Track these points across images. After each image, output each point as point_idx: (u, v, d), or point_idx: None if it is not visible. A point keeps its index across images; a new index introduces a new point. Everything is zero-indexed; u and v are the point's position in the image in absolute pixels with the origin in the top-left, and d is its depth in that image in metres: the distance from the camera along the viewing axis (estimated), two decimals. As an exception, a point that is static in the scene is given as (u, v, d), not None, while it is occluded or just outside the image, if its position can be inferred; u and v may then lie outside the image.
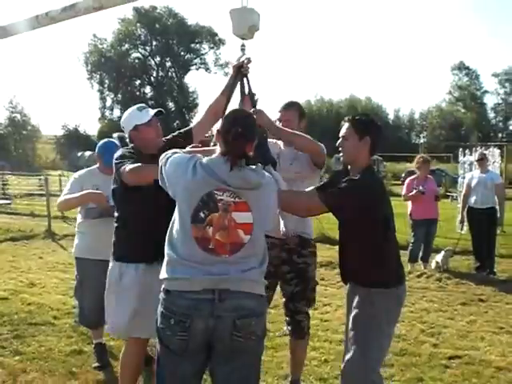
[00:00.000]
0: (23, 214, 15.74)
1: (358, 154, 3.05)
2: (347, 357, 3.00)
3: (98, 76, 62.66)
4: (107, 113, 64.10)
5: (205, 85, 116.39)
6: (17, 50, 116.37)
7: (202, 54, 65.76)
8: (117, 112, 62.81)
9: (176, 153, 2.64)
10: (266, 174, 2.64)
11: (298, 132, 3.61)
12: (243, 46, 3.42)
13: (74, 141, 52.42)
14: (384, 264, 3.03)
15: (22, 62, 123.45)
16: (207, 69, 65.84)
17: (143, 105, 3.52)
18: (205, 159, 2.51)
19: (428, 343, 5.14)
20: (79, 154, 43.14)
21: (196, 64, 65.99)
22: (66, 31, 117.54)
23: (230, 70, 3.48)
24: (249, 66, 3.38)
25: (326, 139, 4.63)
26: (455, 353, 4.85)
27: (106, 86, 63.25)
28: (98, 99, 64.30)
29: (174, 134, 3.62)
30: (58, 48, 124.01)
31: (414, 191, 8.24)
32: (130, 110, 3.49)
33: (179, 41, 63.08)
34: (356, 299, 3.08)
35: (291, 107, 3.91)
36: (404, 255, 6.73)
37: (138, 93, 62.54)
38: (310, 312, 4.01)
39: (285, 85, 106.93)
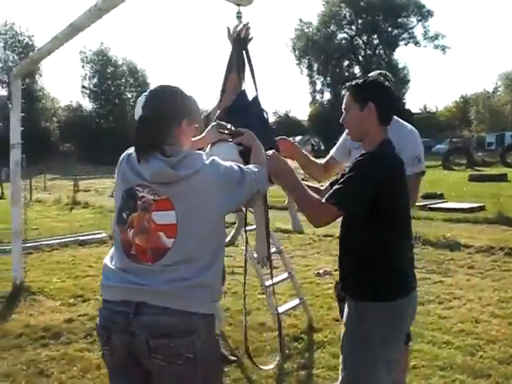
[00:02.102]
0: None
1: (363, 127, 2.53)
2: None
3: (306, 60, 63.67)
4: (318, 96, 64.92)
5: (415, 60, 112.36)
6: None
7: (410, 28, 63.04)
8: (327, 95, 63.71)
9: None
10: (204, 160, 2.15)
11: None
12: (239, 13, 3.01)
13: (284, 126, 53.76)
14: (380, 269, 2.45)
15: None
16: (416, 43, 63.20)
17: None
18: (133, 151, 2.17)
19: None
20: (289, 138, 44.12)
21: (404, 39, 63.51)
22: (273, 19, 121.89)
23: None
24: (248, 34, 2.94)
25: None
26: None
27: (314, 69, 64.03)
28: (308, 83, 65.54)
29: None
30: (268, 35, 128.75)
31: None
32: None
33: (385, 17, 61.04)
34: (345, 314, 2.55)
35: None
36: None
37: (346, 74, 61.87)
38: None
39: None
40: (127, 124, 44.60)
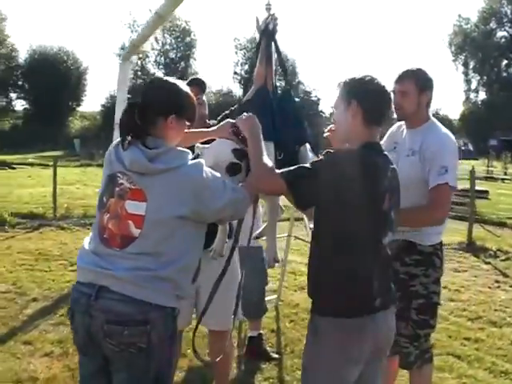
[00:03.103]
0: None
1: (348, 126, 2.34)
2: None
3: (462, 57, 60.64)
4: (472, 95, 61.60)
5: None
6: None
7: None
8: (482, 95, 60.24)
9: None
10: (186, 160, 2.16)
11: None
12: (268, 4, 2.91)
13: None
14: (323, 282, 2.26)
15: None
16: None
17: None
18: None
19: None
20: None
21: None
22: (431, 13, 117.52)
23: None
24: (276, 25, 2.90)
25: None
26: None
27: (470, 67, 60.71)
28: (463, 81, 62.51)
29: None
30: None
31: None
32: None
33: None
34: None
35: (404, 78, 3.13)
36: None
37: (504, 74, 58.23)
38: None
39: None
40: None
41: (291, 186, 2.18)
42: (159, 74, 50.17)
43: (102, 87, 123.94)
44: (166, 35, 53.05)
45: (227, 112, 3.23)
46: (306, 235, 4.55)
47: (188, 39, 54.63)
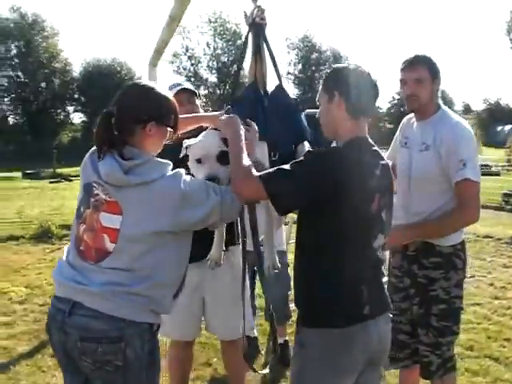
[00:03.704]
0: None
1: (332, 121, 2.21)
2: None
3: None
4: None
5: None
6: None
7: None
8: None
9: None
10: (165, 171, 2.03)
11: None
12: None
13: (494, 114, 50.41)
14: (319, 292, 2.11)
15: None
16: None
17: (176, 82, 3.19)
18: None
19: None
20: (498, 128, 41.21)
21: None
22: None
23: None
24: (264, 18, 2.69)
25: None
26: None
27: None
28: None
29: None
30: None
31: None
32: None
33: None
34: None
35: (417, 64, 2.90)
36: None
37: None
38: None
39: None
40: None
41: (269, 189, 2.03)
42: (212, 78, 50.59)
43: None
44: (217, 39, 53.48)
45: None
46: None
47: (239, 42, 55.00)
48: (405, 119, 3.20)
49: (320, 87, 2.27)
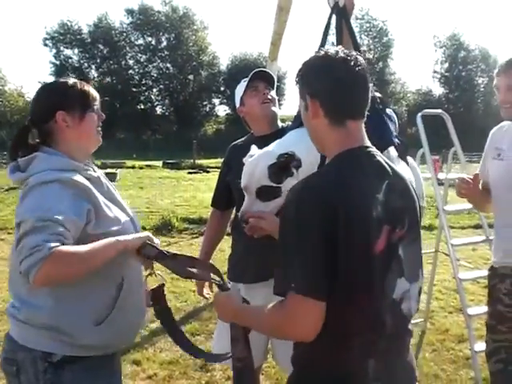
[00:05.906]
0: None
1: (314, 134, 1.69)
2: None
3: None
4: None
5: None
6: None
7: None
8: None
9: None
10: (41, 180, 1.74)
11: None
12: None
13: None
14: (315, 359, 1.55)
15: None
16: None
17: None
18: None
19: None
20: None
21: None
22: None
23: None
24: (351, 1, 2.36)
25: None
26: None
27: None
28: None
29: None
30: None
31: None
32: None
33: None
34: None
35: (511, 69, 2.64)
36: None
37: None
38: None
39: None
40: (474, 110, 42.73)
41: (306, 287, 1.47)
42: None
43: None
44: (362, 36, 52.95)
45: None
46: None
47: (385, 39, 54.18)
48: (495, 129, 2.93)
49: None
